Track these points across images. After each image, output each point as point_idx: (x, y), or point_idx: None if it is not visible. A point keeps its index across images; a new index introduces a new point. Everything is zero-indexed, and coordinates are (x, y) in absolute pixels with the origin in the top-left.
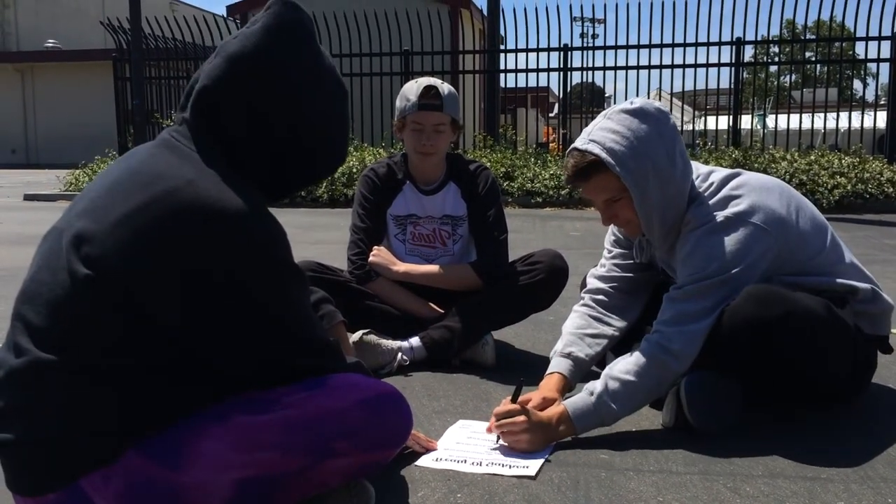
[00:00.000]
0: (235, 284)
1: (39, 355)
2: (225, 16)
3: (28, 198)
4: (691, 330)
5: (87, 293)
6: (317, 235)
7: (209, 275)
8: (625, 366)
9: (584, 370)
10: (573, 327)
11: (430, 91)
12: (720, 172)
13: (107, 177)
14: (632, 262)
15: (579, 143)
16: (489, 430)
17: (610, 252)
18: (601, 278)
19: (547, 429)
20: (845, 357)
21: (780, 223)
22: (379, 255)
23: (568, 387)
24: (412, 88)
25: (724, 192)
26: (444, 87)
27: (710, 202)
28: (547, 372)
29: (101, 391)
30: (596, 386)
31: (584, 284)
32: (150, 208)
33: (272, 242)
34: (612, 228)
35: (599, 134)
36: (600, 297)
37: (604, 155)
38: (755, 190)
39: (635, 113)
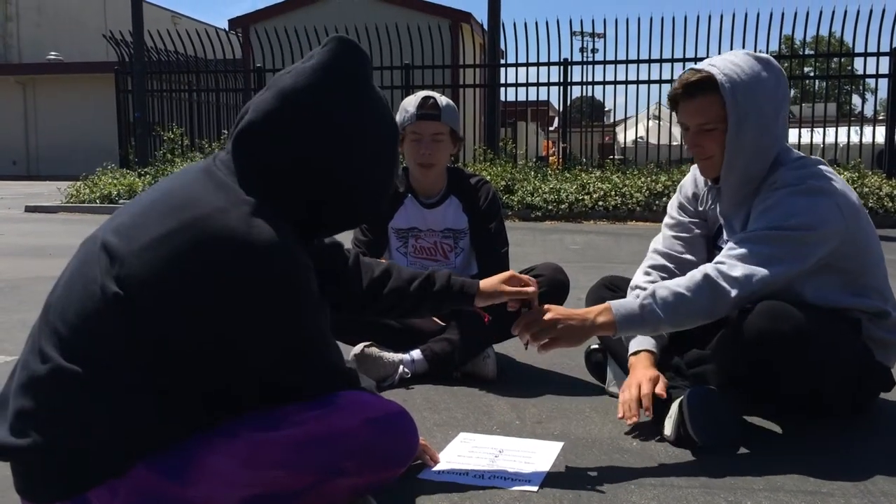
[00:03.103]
0: (256, 314)
1: (63, 364)
2: (227, 29)
3: (29, 209)
4: (755, 269)
5: (114, 310)
6: None
7: (231, 304)
8: (677, 280)
9: (664, 340)
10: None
11: (427, 101)
12: (809, 158)
13: (149, 195)
14: (691, 234)
15: (698, 64)
16: (516, 330)
17: (672, 220)
18: (664, 255)
19: (583, 322)
20: (852, 377)
21: (856, 214)
22: None
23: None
24: (411, 101)
25: (815, 168)
26: (443, 99)
27: (800, 172)
28: (630, 352)
29: (118, 406)
30: (644, 293)
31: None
32: (178, 234)
33: (296, 276)
34: (677, 196)
35: (721, 62)
36: (665, 273)
37: (720, 76)
38: (839, 180)
39: (760, 60)
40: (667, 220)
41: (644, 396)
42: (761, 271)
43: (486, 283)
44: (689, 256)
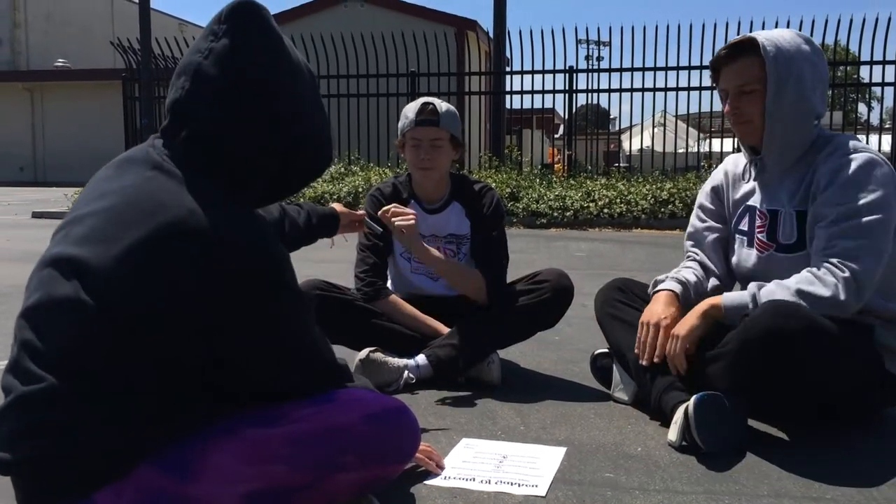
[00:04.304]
0: (240, 312)
1: (47, 379)
2: None
3: (36, 215)
4: (875, 246)
5: (93, 322)
6: (324, 254)
7: (214, 304)
8: (796, 277)
9: (691, 293)
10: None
11: (426, 107)
12: None
13: (101, 200)
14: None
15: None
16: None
17: (692, 228)
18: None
19: (693, 312)
20: (860, 383)
21: None
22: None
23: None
24: (411, 107)
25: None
26: (443, 105)
27: (858, 143)
28: (652, 291)
29: (111, 413)
30: (756, 286)
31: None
32: (154, 240)
33: (275, 269)
34: (700, 197)
35: (765, 32)
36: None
37: (762, 39)
38: None
39: (804, 36)
40: (694, 221)
41: (677, 357)
42: (883, 247)
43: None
44: (710, 265)
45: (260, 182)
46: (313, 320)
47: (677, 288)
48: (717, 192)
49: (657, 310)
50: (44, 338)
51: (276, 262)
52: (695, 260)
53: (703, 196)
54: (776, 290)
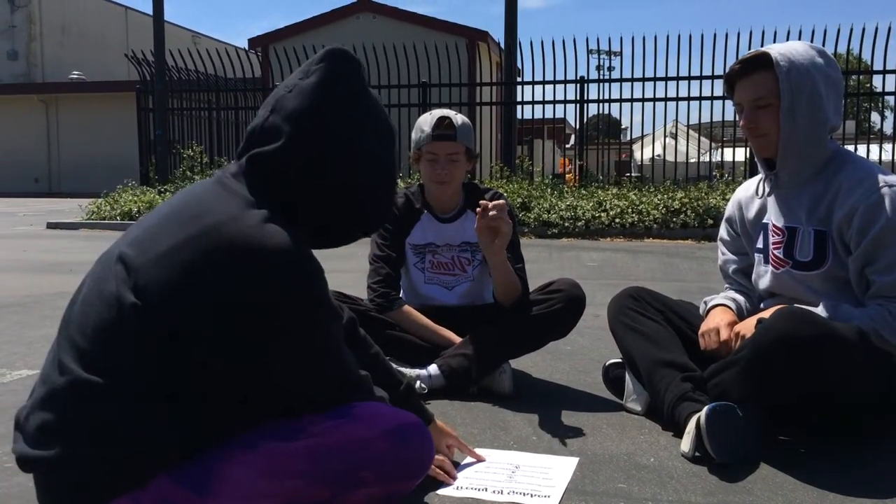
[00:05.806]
0: (270, 320)
1: (82, 375)
2: (247, 49)
3: (51, 226)
4: None
5: (131, 320)
6: (336, 264)
7: (245, 309)
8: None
9: (743, 310)
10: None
11: (443, 122)
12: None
13: (163, 208)
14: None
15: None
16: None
17: (724, 253)
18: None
19: (760, 315)
20: (875, 389)
21: None
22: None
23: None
24: (426, 120)
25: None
26: (458, 118)
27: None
28: (708, 308)
29: (138, 416)
30: (824, 308)
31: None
32: (193, 242)
33: (309, 280)
34: (721, 230)
35: (778, 45)
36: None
37: (775, 54)
38: None
39: (817, 48)
40: (720, 254)
41: (723, 343)
42: None
43: (436, 428)
44: (746, 291)
45: (308, 215)
46: (342, 332)
47: (729, 303)
48: (731, 223)
49: (714, 319)
50: (85, 332)
51: (308, 273)
52: (732, 288)
53: (721, 228)
54: (854, 312)
